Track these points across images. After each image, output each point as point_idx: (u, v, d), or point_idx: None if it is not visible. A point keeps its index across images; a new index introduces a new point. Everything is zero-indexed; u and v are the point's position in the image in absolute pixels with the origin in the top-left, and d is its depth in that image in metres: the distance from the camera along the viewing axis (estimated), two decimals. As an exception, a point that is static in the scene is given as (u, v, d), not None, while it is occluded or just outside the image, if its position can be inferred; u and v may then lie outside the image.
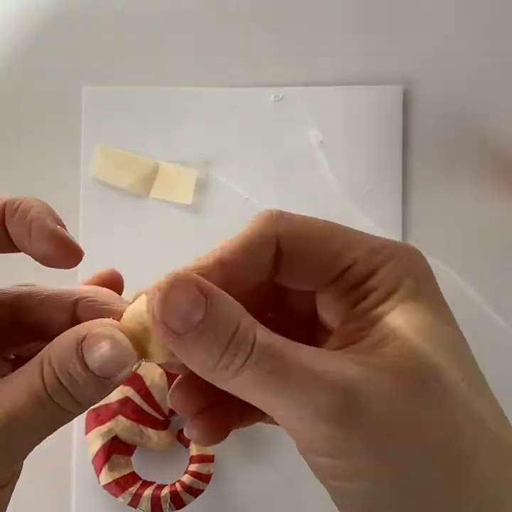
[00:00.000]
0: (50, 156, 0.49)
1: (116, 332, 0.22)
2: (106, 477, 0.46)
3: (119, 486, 0.46)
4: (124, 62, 0.50)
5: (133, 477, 0.47)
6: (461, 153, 0.49)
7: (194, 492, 0.46)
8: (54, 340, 0.23)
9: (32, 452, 0.22)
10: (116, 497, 0.46)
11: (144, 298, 0.23)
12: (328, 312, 0.25)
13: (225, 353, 0.21)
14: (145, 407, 0.46)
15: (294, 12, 0.49)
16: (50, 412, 0.22)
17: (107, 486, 0.46)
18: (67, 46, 0.50)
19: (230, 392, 0.22)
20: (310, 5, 0.49)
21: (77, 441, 0.48)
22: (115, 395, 0.45)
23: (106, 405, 0.46)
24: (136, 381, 0.46)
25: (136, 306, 0.23)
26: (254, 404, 0.21)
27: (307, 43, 0.49)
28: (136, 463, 0.47)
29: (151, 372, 0.46)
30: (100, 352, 0.22)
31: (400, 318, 0.22)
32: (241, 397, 0.22)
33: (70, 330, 0.23)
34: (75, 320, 0.25)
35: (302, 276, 0.25)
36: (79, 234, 0.49)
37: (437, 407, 0.20)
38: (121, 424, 0.46)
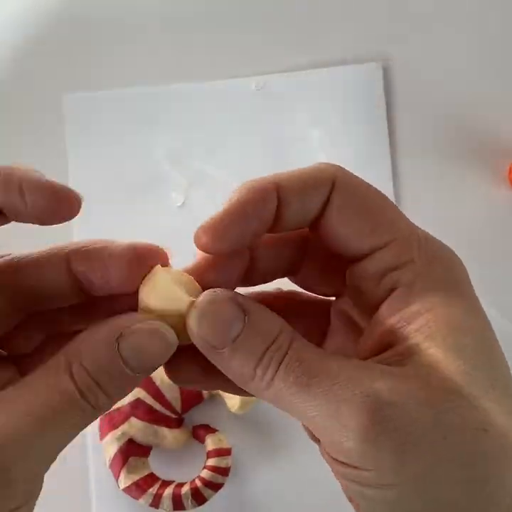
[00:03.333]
0: (37, 167, 0.49)
1: (160, 326, 0.22)
2: (125, 480, 0.46)
3: (139, 488, 0.46)
4: (102, 65, 0.50)
5: (152, 478, 0.46)
6: (446, 125, 0.49)
7: (214, 486, 0.46)
8: (78, 338, 0.22)
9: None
10: (137, 499, 0.46)
11: (161, 273, 0.22)
12: (360, 287, 0.24)
13: (259, 365, 0.21)
14: (157, 406, 0.46)
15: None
16: (83, 410, 0.21)
17: (127, 489, 0.46)
18: (47, 53, 0.50)
19: (268, 402, 0.22)
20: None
21: (92, 447, 0.48)
22: (126, 398, 0.45)
23: (118, 409, 0.45)
24: (145, 382, 0.46)
25: (159, 283, 0.23)
26: (291, 415, 0.22)
27: (282, 28, 0.49)
28: (154, 464, 0.47)
29: (160, 372, 0.46)
30: (147, 349, 0.22)
31: (431, 324, 0.21)
32: (277, 407, 0.22)
33: (96, 327, 0.22)
34: (70, 273, 0.23)
35: (346, 234, 0.23)
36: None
37: (464, 416, 0.20)
38: (134, 426, 0.45)
